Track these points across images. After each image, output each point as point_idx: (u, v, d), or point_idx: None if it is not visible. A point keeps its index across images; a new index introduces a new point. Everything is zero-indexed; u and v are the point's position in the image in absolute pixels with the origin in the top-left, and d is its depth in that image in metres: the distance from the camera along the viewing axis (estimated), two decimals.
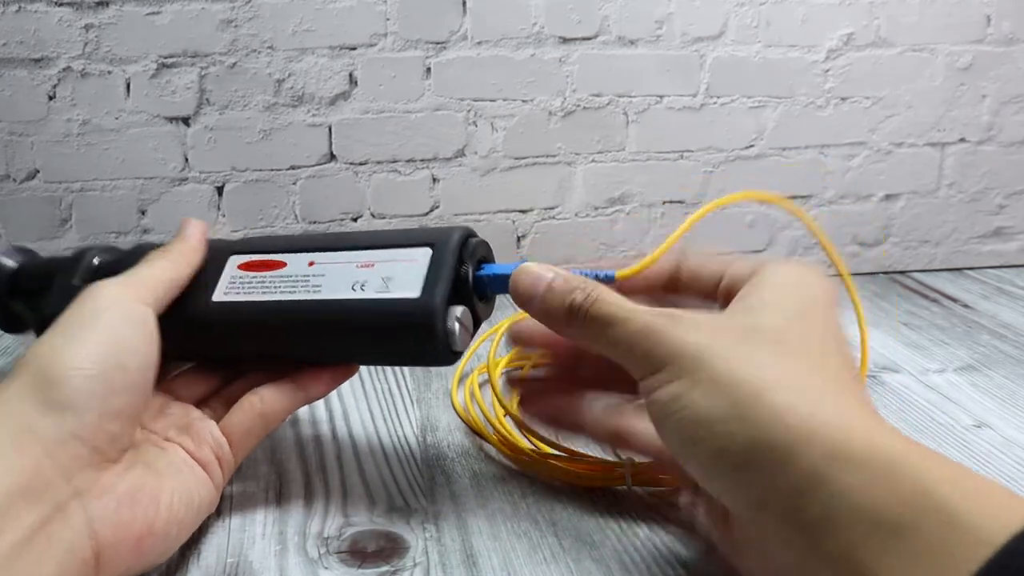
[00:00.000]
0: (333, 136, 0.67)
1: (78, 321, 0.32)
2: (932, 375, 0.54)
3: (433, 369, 0.52)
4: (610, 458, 0.40)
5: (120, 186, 0.65)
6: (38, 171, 0.64)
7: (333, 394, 0.48)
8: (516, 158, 0.70)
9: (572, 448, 0.40)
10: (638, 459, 0.37)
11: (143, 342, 0.32)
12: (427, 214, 0.69)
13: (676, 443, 0.28)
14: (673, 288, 0.36)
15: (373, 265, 0.37)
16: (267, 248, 0.39)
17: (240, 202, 0.67)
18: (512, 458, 0.42)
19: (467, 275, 0.36)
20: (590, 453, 0.40)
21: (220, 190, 0.66)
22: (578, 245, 0.72)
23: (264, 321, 0.38)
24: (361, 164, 0.68)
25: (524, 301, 0.33)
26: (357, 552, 0.35)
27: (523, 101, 0.68)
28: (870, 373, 0.55)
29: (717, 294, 0.33)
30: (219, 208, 0.66)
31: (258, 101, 0.65)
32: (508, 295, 0.35)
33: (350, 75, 0.66)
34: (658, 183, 0.72)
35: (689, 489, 0.32)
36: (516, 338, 0.39)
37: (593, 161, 0.71)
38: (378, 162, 0.68)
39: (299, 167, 0.67)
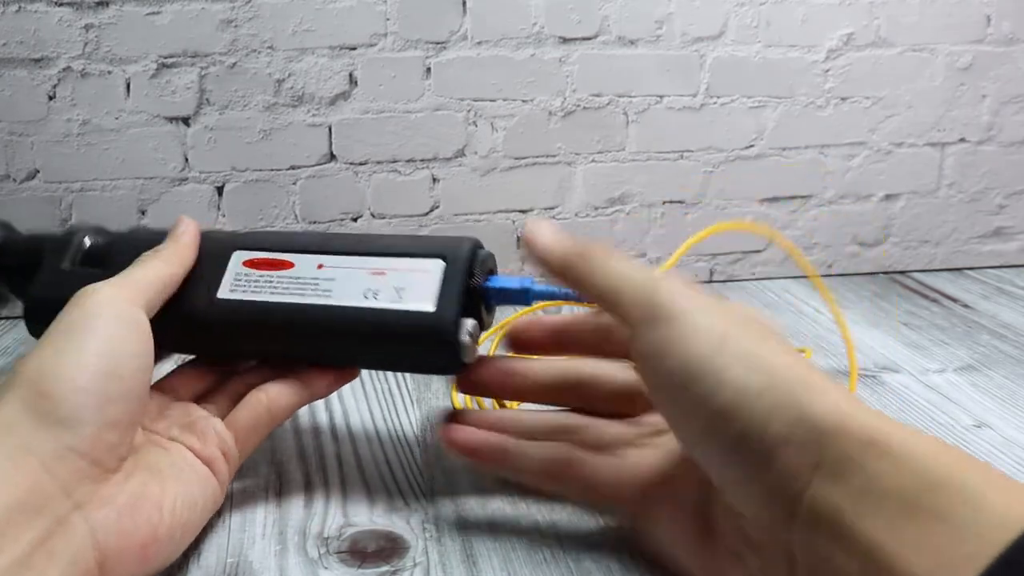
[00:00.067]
0: (333, 136, 0.67)
1: (70, 329, 0.31)
2: (932, 375, 0.54)
3: None
4: None
5: (120, 186, 0.65)
6: (38, 171, 0.64)
7: (333, 394, 0.48)
8: (516, 158, 0.70)
9: None
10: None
11: (138, 348, 0.32)
12: (427, 214, 0.69)
13: (676, 385, 0.28)
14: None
15: (385, 273, 0.37)
16: (272, 246, 0.39)
17: (240, 202, 0.67)
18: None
19: (478, 289, 0.37)
20: None
21: (220, 190, 0.66)
22: None
23: (273, 322, 0.37)
24: (361, 164, 0.68)
25: (540, 239, 0.34)
26: (357, 552, 0.35)
27: (523, 101, 0.68)
28: (870, 373, 0.55)
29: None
30: (219, 208, 0.66)
31: (258, 101, 0.65)
32: (511, 306, 0.36)
33: (350, 75, 0.66)
34: (658, 183, 0.72)
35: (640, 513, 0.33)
36: (515, 342, 0.39)
37: (593, 161, 0.71)
38: (378, 162, 0.68)
39: (299, 167, 0.67)
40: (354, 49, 0.65)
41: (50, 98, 0.62)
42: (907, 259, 0.78)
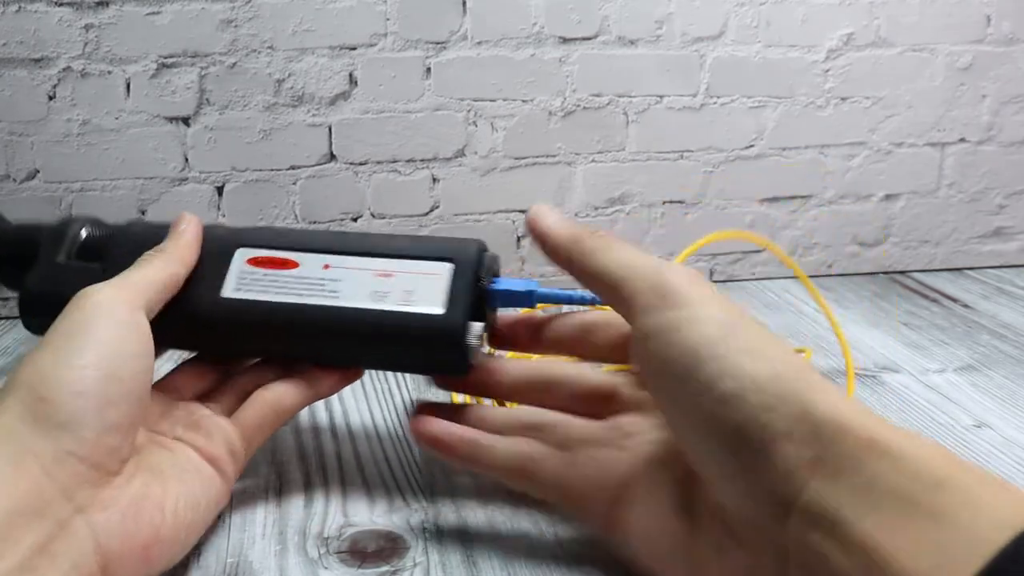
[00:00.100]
0: (333, 136, 0.67)
1: (68, 333, 0.31)
2: (932, 375, 0.54)
3: None
4: None
5: (120, 186, 0.65)
6: (38, 171, 0.64)
7: (333, 394, 0.48)
8: (516, 158, 0.70)
9: None
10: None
11: (137, 350, 0.31)
12: (427, 214, 0.69)
13: (680, 370, 0.29)
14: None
15: (392, 275, 0.37)
16: (276, 244, 0.39)
17: (240, 202, 0.67)
18: None
19: (485, 292, 0.37)
20: None
21: (220, 190, 0.66)
22: None
23: (280, 322, 0.37)
24: (361, 164, 0.68)
25: (544, 220, 0.35)
26: (357, 552, 0.35)
27: (523, 101, 0.68)
28: (870, 373, 0.55)
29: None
30: (219, 208, 0.66)
31: (258, 101, 0.65)
32: (513, 308, 0.37)
33: (350, 75, 0.66)
34: (658, 183, 0.72)
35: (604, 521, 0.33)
36: (498, 339, 0.40)
37: (593, 161, 0.71)
38: (378, 162, 0.68)
39: (299, 167, 0.67)
40: (354, 49, 0.65)
41: (50, 98, 0.62)
42: (907, 259, 0.78)
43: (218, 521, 0.37)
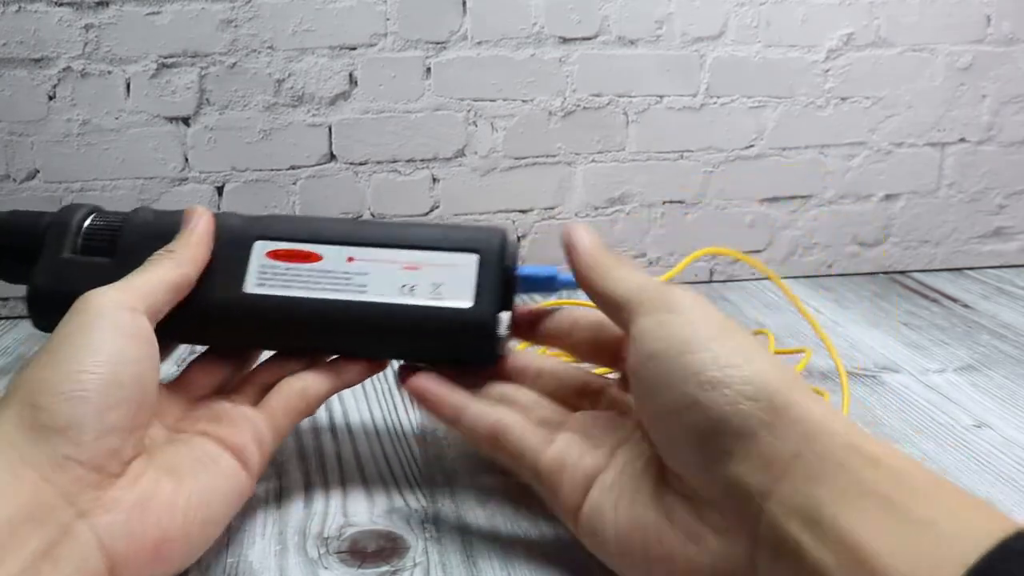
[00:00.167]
0: (333, 136, 0.67)
1: (67, 338, 0.30)
2: (932, 375, 0.54)
3: None
4: None
5: (120, 186, 0.65)
6: (38, 171, 0.64)
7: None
8: (516, 158, 0.70)
9: None
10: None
11: (138, 355, 0.31)
12: (427, 214, 0.69)
13: (670, 354, 0.29)
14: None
15: (419, 268, 0.37)
16: (296, 235, 0.38)
17: (240, 202, 0.66)
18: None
19: (511, 282, 0.38)
20: None
21: (220, 190, 0.66)
22: None
23: (308, 318, 0.37)
24: (361, 164, 0.68)
25: (580, 254, 0.36)
26: (357, 552, 0.35)
27: (523, 101, 0.68)
28: (870, 373, 0.55)
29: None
30: (219, 208, 0.66)
31: (258, 101, 0.65)
32: (533, 293, 0.38)
33: (350, 75, 0.66)
34: (658, 183, 0.72)
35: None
36: (521, 325, 0.40)
37: (593, 161, 0.71)
38: (378, 162, 0.68)
39: (299, 167, 0.67)
40: (354, 49, 0.65)
41: (50, 98, 0.62)
42: (907, 259, 0.78)
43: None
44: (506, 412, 0.35)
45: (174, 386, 0.38)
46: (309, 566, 0.34)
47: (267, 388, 0.37)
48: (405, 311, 0.37)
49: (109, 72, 0.62)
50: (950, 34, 0.73)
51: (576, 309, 0.39)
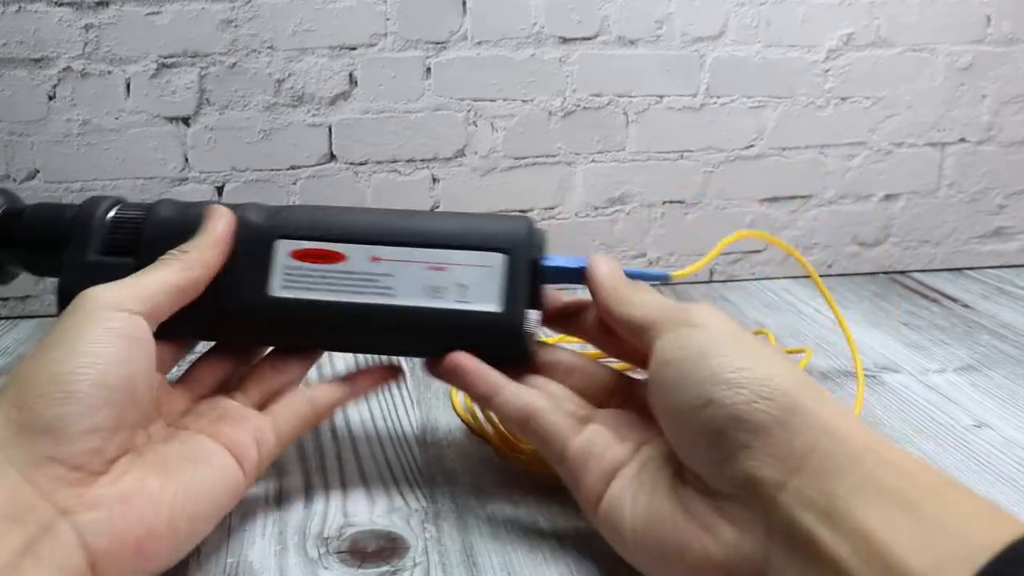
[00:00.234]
0: (333, 136, 0.67)
1: (57, 337, 0.30)
2: (932, 375, 0.54)
3: None
4: None
5: (120, 186, 0.65)
6: (38, 171, 0.64)
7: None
8: (516, 158, 0.70)
9: None
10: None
11: (129, 355, 0.31)
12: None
13: (690, 358, 0.31)
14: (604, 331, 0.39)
15: (445, 268, 0.37)
16: (318, 234, 0.38)
17: (240, 202, 0.66)
18: (512, 458, 0.42)
19: (539, 274, 0.38)
20: None
21: (220, 190, 0.66)
22: (578, 245, 0.72)
23: (335, 322, 0.37)
24: (361, 164, 0.68)
25: (600, 285, 0.37)
26: (357, 552, 0.35)
27: (523, 101, 0.68)
28: (870, 373, 0.55)
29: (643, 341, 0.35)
30: None
31: (258, 101, 0.65)
32: (562, 285, 0.39)
33: (350, 75, 0.66)
34: (658, 183, 0.72)
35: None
36: (554, 318, 0.40)
37: (593, 161, 0.71)
38: (378, 162, 0.68)
39: (299, 167, 0.67)
40: (354, 49, 0.65)
41: (50, 98, 0.62)
42: (907, 259, 0.78)
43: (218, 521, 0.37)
44: (538, 396, 0.36)
45: (180, 382, 0.38)
46: (309, 566, 0.34)
47: (267, 386, 0.38)
48: (432, 315, 0.37)
49: (109, 72, 0.62)
50: (950, 34, 0.73)
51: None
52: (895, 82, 0.73)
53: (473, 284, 0.37)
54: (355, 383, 0.38)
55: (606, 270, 0.37)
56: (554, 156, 0.70)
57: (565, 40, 0.67)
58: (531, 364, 0.39)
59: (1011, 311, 0.67)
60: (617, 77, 0.69)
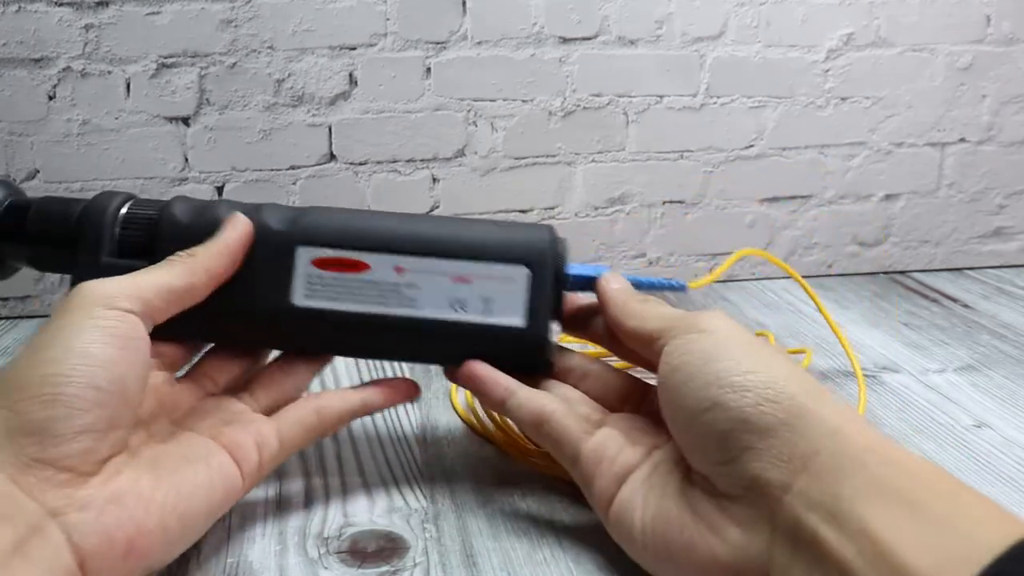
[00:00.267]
0: (333, 136, 0.67)
1: (47, 339, 0.30)
2: (932, 375, 0.54)
3: (433, 369, 0.52)
4: None
5: (120, 186, 0.65)
6: (38, 171, 0.64)
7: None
8: (516, 158, 0.70)
9: None
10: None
11: (121, 354, 0.30)
12: (427, 214, 0.69)
13: (699, 362, 0.31)
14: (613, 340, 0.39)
15: (470, 281, 0.37)
16: (341, 241, 0.37)
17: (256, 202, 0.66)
18: (513, 456, 0.42)
19: (561, 283, 0.38)
20: None
21: (220, 190, 0.66)
22: (578, 245, 0.72)
23: (358, 332, 0.37)
24: (361, 164, 0.68)
25: (612, 300, 0.38)
26: (357, 552, 0.35)
27: (523, 101, 0.68)
28: (870, 373, 0.55)
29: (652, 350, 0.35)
30: None
31: (258, 101, 0.65)
32: (581, 292, 0.39)
33: (350, 75, 0.66)
34: (658, 183, 0.72)
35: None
36: (567, 322, 0.41)
37: (593, 161, 0.71)
38: (378, 162, 0.68)
39: (299, 167, 0.67)
40: (354, 49, 0.65)
41: (50, 98, 0.62)
42: (907, 259, 0.78)
43: (218, 521, 0.37)
44: (552, 399, 0.36)
45: (187, 377, 0.38)
46: (309, 566, 0.34)
47: (276, 388, 0.38)
48: (456, 328, 0.37)
49: (109, 72, 0.62)
50: (950, 34, 0.73)
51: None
52: (895, 82, 0.73)
53: (497, 297, 0.37)
54: (368, 399, 0.38)
55: (616, 286, 0.38)
56: (554, 156, 0.70)
57: (565, 40, 0.67)
58: (553, 373, 0.39)
59: (1011, 311, 0.67)
60: (617, 77, 0.69)
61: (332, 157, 0.67)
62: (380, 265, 0.37)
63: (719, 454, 0.29)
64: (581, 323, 0.41)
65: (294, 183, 0.67)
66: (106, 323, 0.31)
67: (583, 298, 0.41)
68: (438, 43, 0.66)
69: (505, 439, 0.43)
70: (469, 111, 0.68)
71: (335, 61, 0.65)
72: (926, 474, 0.26)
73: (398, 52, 0.66)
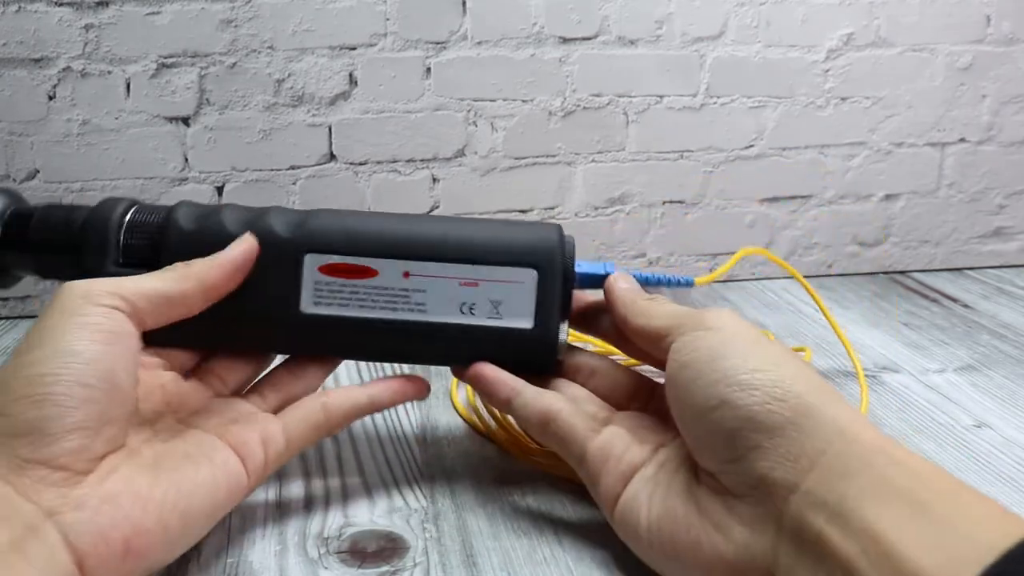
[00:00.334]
0: (333, 136, 0.67)
1: (34, 339, 0.30)
2: (932, 375, 0.54)
3: (433, 369, 0.52)
4: None
5: (120, 186, 0.65)
6: (38, 171, 0.64)
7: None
8: (516, 158, 0.70)
9: None
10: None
11: (107, 349, 0.30)
12: (427, 214, 0.69)
13: (706, 360, 0.31)
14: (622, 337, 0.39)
15: (478, 284, 0.37)
16: (348, 247, 0.37)
17: (240, 202, 0.66)
18: (514, 454, 0.42)
19: (569, 282, 0.38)
20: None
21: (220, 190, 0.66)
22: (578, 245, 0.72)
23: (368, 338, 0.37)
24: (361, 164, 0.68)
25: (619, 300, 0.38)
26: (357, 552, 0.35)
27: (523, 101, 0.68)
28: (870, 373, 0.55)
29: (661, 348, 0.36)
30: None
31: (258, 101, 0.65)
32: (588, 289, 0.40)
33: (350, 75, 0.66)
34: (658, 183, 0.72)
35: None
36: (574, 319, 0.41)
37: (593, 161, 0.71)
38: (378, 162, 0.68)
39: (299, 167, 0.67)
40: (354, 49, 0.65)
41: (50, 98, 0.62)
42: (907, 259, 0.78)
43: (219, 521, 0.37)
44: (559, 398, 0.37)
45: (194, 375, 0.38)
46: (309, 566, 0.34)
47: (284, 390, 0.38)
48: (465, 332, 0.37)
49: (109, 72, 0.62)
50: (950, 34, 0.73)
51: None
52: (895, 82, 0.73)
53: (506, 299, 0.37)
54: (376, 396, 0.38)
55: (624, 285, 0.38)
56: (554, 156, 0.70)
57: (565, 40, 0.67)
58: (560, 372, 0.39)
59: (1011, 311, 0.67)
60: (617, 77, 0.69)
61: (332, 157, 0.67)
62: (388, 271, 0.37)
63: (726, 452, 0.29)
64: (589, 321, 0.41)
65: (294, 183, 0.67)
66: (91, 320, 0.30)
67: (591, 295, 0.41)
68: (438, 43, 0.66)
69: (507, 437, 0.43)
70: (469, 111, 0.68)
71: (335, 61, 0.65)
72: (932, 475, 0.26)
73: (398, 52, 0.66)
